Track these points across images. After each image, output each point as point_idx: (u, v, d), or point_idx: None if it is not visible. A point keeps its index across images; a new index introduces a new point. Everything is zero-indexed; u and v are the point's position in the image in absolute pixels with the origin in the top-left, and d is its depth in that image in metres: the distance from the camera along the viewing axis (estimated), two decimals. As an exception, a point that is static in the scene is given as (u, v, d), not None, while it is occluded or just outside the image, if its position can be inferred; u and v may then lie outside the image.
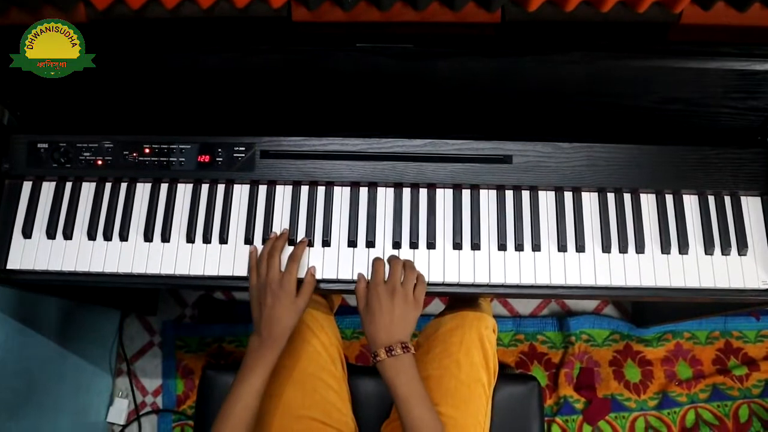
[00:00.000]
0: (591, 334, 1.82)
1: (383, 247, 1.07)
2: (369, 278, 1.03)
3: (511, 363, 1.80)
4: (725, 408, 1.78)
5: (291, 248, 1.05)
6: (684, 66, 0.99)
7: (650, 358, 1.81)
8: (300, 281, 1.03)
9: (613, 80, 1.02)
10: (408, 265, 1.04)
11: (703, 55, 0.98)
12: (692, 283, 1.06)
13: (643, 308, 1.81)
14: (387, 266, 1.04)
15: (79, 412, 1.65)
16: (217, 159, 1.09)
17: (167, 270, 1.07)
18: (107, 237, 1.08)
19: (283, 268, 1.02)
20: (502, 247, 1.07)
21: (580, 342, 1.79)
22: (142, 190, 1.11)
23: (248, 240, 1.08)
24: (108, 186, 1.11)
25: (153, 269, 1.07)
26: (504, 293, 1.08)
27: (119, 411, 1.78)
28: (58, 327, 1.52)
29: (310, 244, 1.07)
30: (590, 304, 1.87)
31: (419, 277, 1.03)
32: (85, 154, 1.10)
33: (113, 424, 1.79)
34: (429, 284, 1.05)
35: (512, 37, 0.99)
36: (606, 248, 1.07)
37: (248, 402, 0.94)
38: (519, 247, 1.07)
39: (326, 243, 1.08)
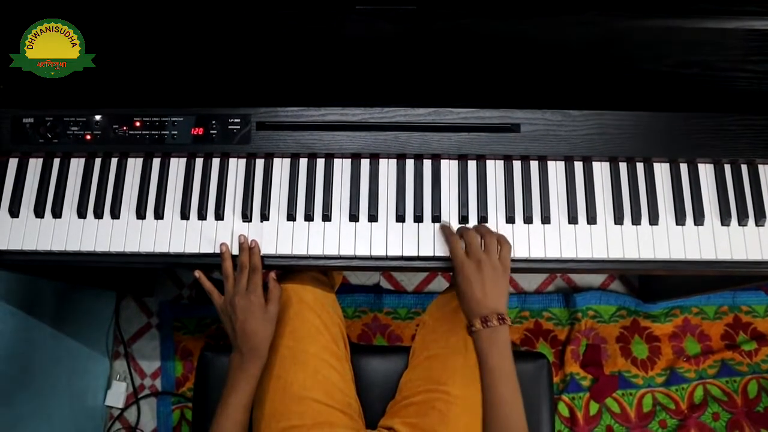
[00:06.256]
0: (597, 310, 1.78)
1: (386, 221, 1.03)
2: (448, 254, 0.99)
3: (516, 340, 1.76)
4: (734, 384, 1.75)
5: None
6: (702, 26, 0.94)
7: (658, 334, 1.78)
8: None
9: (628, 42, 0.98)
10: (484, 231, 0.99)
11: (723, 13, 0.93)
12: (708, 255, 1.02)
13: (650, 283, 1.78)
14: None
15: (76, 396, 1.63)
16: (212, 132, 1.05)
17: (161, 248, 1.03)
18: (98, 215, 1.04)
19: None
20: (510, 219, 1.03)
21: (586, 318, 1.76)
22: (134, 165, 1.07)
23: (245, 216, 1.03)
24: (98, 161, 1.07)
25: (146, 248, 1.03)
26: (513, 268, 1.03)
27: (117, 394, 1.76)
28: (52, 310, 1.49)
29: (310, 218, 1.03)
30: (596, 280, 1.84)
31: (500, 237, 0.99)
32: (73, 128, 1.06)
33: (111, 407, 1.77)
34: (434, 258, 1.02)
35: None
36: (618, 220, 1.03)
37: (237, 418, 0.96)
38: (528, 220, 1.03)
39: (326, 218, 1.03)
